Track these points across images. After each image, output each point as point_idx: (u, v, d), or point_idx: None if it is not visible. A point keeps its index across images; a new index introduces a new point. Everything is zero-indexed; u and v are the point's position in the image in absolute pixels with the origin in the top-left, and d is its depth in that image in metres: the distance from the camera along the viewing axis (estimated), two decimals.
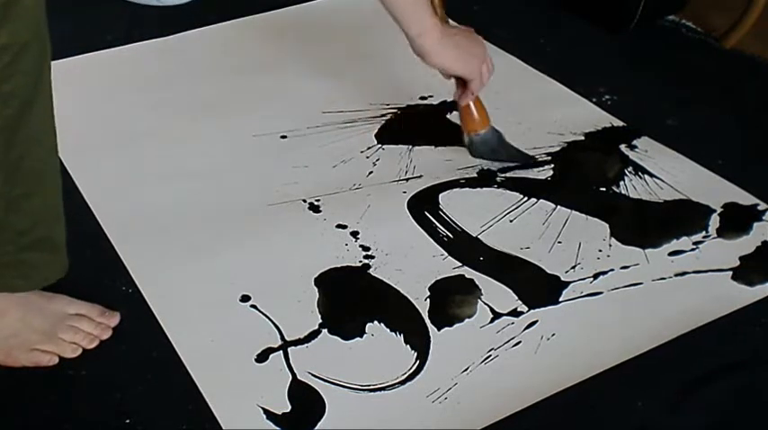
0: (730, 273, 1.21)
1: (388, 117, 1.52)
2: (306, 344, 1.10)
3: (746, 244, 1.27)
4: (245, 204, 1.32)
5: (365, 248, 1.24)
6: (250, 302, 1.15)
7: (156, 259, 1.22)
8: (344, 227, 1.27)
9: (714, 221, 1.30)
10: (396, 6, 1.21)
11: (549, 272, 1.21)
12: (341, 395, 1.03)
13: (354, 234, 1.26)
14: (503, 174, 1.39)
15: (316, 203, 1.32)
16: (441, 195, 1.34)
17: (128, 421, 1.00)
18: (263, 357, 1.08)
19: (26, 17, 0.92)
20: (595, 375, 1.06)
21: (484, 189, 1.36)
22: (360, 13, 1.83)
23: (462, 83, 1.35)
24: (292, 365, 1.07)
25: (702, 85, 1.65)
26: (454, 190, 1.36)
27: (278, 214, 1.30)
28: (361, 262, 1.22)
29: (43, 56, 0.98)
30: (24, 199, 1.01)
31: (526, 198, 1.34)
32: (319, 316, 1.13)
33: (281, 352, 1.08)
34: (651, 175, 1.39)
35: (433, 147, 1.45)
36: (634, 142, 1.47)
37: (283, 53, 1.69)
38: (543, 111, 1.54)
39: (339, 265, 1.21)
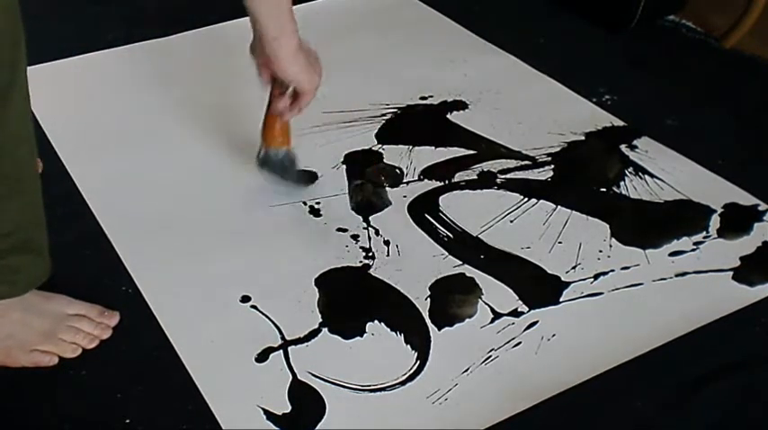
0: (731, 273, 1.21)
1: (388, 117, 1.52)
2: (306, 343, 1.10)
3: (747, 244, 1.26)
4: (245, 204, 1.32)
5: (365, 250, 1.24)
6: (250, 303, 1.15)
7: (156, 259, 1.22)
8: (345, 230, 1.27)
9: (714, 222, 1.30)
10: (258, 5, 1.14)
11: (549, 272, 1.21)
12: (341, 395, 1.03)
13: (355, 237, 1.26)
14: (503, 176, 1.39)
15: (316, 207, 1.31)
16: (441, 197, 1.34)
17: (128, 421, 1.00)
18: (263, 357, 1.08)
19: None
20: (596, 376, 1.06)
21: (484, 191, 1.36)
22: (360, 13, 1.83)
23: (286, 97, 1.27)
24: (292, 365, 1.07)
25: (702, 85, 1.64)
26: (454, 192, 1.35)
27: (278, 215, 1.30)
28: (361, 262, 1.22)
29: (17, 48, 0.94)
30: (4, 201, 1.00)
31: (526, 199, 1.34)
32: (319, 315, 1.13)
33: (282, 351, 1.08)
34: (651, 176, 1.39)
35: (433, 147, 1.45)
36: (634, 142, 1.46)
37: None
38: (543, 111, 1.54)
39: (339, 266, 1.21)
